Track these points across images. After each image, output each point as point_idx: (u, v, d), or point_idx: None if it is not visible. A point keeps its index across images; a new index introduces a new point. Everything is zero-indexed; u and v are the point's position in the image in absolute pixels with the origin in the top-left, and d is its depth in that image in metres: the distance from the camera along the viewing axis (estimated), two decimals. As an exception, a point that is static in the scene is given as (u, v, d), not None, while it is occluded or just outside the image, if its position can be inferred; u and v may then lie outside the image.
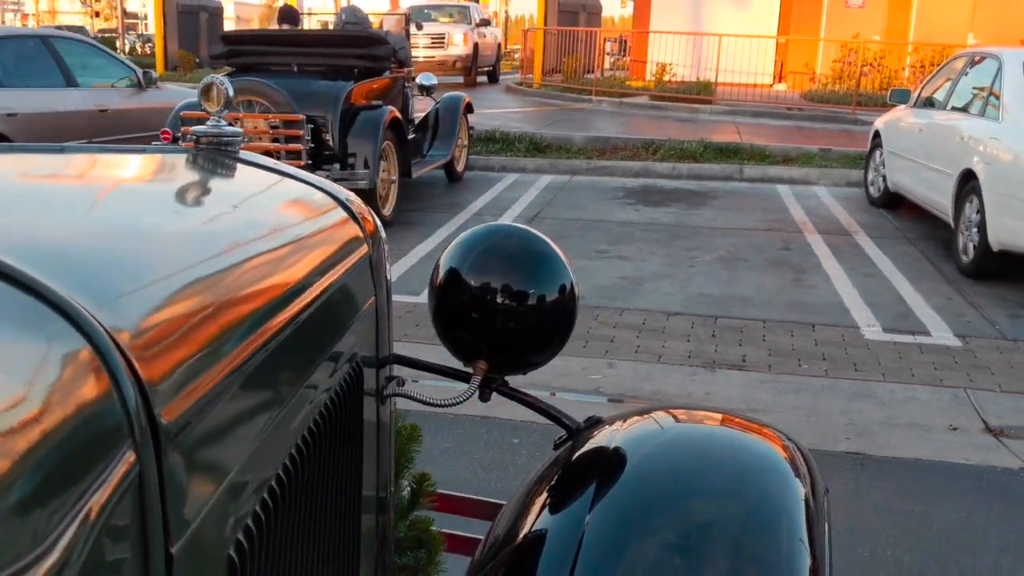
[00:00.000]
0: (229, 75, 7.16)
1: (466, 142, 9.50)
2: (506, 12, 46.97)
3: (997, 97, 6.25)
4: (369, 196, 6.85)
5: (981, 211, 5.85)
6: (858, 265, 6.34)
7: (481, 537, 1.29)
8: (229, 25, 32.54)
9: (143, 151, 1.38)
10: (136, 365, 0.61)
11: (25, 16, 54.75)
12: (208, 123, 1.29)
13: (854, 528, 2.94)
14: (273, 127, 6.68)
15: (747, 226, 7.56)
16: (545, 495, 1.20)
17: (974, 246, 5.97)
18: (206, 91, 1.30)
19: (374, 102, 7.33)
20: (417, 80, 8.63)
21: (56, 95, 7.68)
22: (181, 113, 6.77)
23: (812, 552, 1.06)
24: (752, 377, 4.29)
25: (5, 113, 7.09)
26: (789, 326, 5.01)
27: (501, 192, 8.85)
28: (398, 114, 7.36)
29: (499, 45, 23.77)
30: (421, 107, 9.02)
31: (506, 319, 1.27)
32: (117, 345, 0.60)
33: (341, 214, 1.21)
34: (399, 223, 7.26)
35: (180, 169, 1.28)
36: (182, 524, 0.65)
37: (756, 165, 10.09)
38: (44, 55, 7.78)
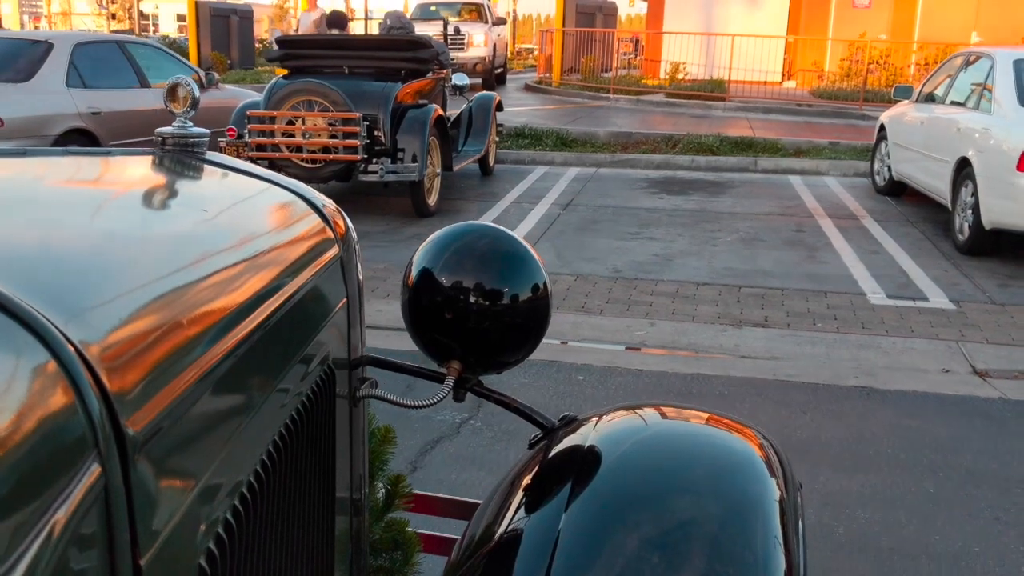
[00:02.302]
0: (285, 76, 7.81)
1: (496, 138, 10.20)
2: (514, 11, 47.64)
3: (990, 91, 6.94)
4: (416, 188, 7.50)
5: (975, 194, 6.54)
6: (865, 244, 7.04)
7: (457, 537, 1.30)
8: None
9: (108, 154, 1.37)
10: (101, 376, 0.61)
11: (38, 18, 55.51)
12: (174, 124, 1.29)
13: (861, 437, 3.66)
14: (331, 124, 7.29)
15: (763, 211, 8.26)
16: (521, 494, 1.21)
17: (969, 226, 6.67)
18: (172, 92, 1.29)
19: (420, 101, 7.90)
20: (452, 80, 9.35)
21: (132, 94, 8.42)
22: (248, 111, 7.40)
23: (787, 550, 1.07)
24: (774, 333, 5.00)
25: (91, 111, 7.82)
26: (804, 293, 5.71)
27: (534, 183, 9.55)
28: (442, 112, 7.98)
29: (507, 45, 24.38)
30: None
31: (480, 319, 1.26)
32: (82, 356, 0.60)
33: (310, 215, 1.21)
34: (446, 211, 7.97)
35: (148, 173, 1.27)
36: (151, 535, 0.65)
37: (770, 157, 10.80)
38: (120, 58, 8.52)
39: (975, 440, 3.67)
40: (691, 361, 4.59)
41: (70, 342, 0.60)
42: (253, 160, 7.24)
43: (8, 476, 0.51)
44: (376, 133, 7.36)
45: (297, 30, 14.42)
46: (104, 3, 52.45)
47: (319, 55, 7.96)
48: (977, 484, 3.28)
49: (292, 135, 7.33)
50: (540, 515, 1.13)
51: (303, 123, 7.31)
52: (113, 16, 51.37)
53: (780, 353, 4.71)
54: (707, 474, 1.19)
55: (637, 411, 1.36)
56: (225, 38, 19.15)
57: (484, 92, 10.27)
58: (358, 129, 7.18)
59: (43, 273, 0.71)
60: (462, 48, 18.92)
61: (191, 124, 1.28)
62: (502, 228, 1.36)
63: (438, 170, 7.94)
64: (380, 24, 10.39)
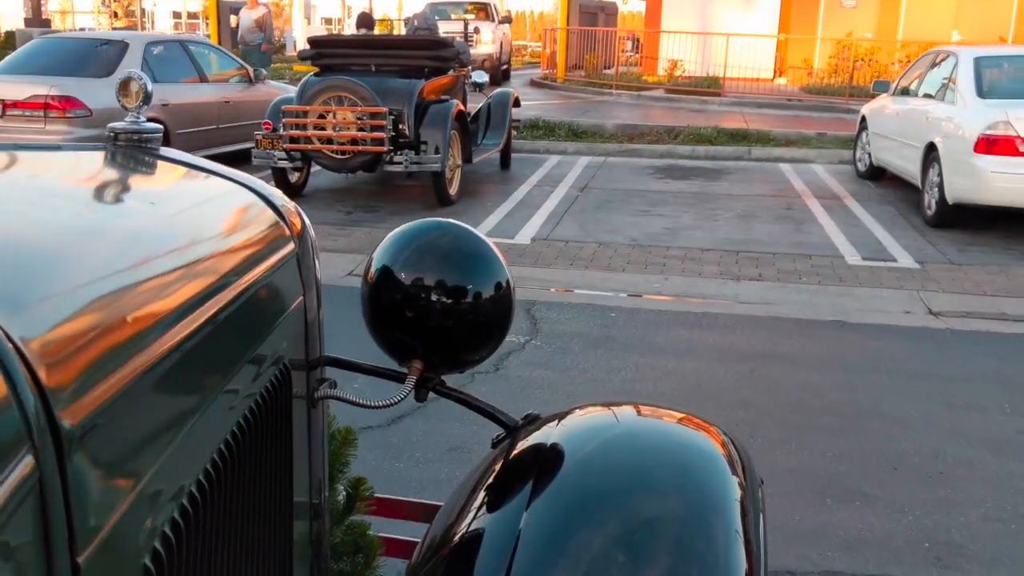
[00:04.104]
0: (316, 74, 8.31)
1: (514, 132, 10.78)
2: (508, 11, 48.58)
3: (955, 84, 8.00)
4: (438, 178, 8.02)
5: (940, 174, 7.59)
6: (846, 219, 8.09)
7: (419, 539, 1.30)
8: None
9: (59, 148, 1.36)
10: (38, 371, 0.61)
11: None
12: (126, 119, 1.27)
13: (834, 352, 4.72)
14: (359, 119, 7.73)
15: (757, 193, 9.32)
16: (483, 495, 1.21)
17: (935, 202, 7.72)
18: (124, 87, 1.27)
19: (442, 97, 8.39)
20: (472, 77, 10.14)
21: (193, 88, 9.42)
22: (282, 106, 7.90)
23: (748, 547, 1.08)
24: (766, 285, 6.05)
25: (160, 103, 8.80)
26: (792, 256, 6.76)
27: (550, 170, 10.57)
28: (463, 107, 8.52)
29: (511, 43, 25.41)
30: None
31: (441, 318, 1.26)
32: (19, 351, 0.60)
33: (265, 212, 1.20)
34: (473, 194, 8.99)
35: (99, 168, 1.26)
36: (89, 532, 0.64)
37: (762, 147, 11.87)
38: (183, 56, 9.53)
39: (923, 354, 4.73)
40: (700, 305, 5.63)
41: (8, 337, 0.60)
42: (287, 151, 7.92)
43: None
44: (401, 127, 7.82)
45: (237, 28, 14.28)
46: (107, 1, 53.22)
47: (348, 54, 8.43)
48: (920, 380, 4.33)
49: (323, 128, 7.79)
50: (501, 514, 1.14)
51: (334, 117, 7.78)
52: (116, 15, 52.12)
53: (771, 299, 5.75)
54: (669, 472, 1.19)
55: (600, 410, 1.36)
56: (245, 36, 20.09)
57: (502, 89, 11.19)
58: (385, 123, 7.66)
59: None
60: (472, 45, 19.87)
61: (143, 119, 1.27)
62: (465, 225, 1.35)
63: (459, 162, 8.46)
64: (407, 24, 11.37)
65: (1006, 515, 3.06)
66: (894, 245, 7.15)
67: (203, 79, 9.68)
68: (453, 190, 8.38)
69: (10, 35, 17.87)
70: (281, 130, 7.88)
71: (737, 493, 1.17)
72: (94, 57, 8.77)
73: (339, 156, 7.88)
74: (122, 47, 8.88)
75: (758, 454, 3.39)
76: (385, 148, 7.73)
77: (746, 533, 1.11)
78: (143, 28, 45.56)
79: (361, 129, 7.76)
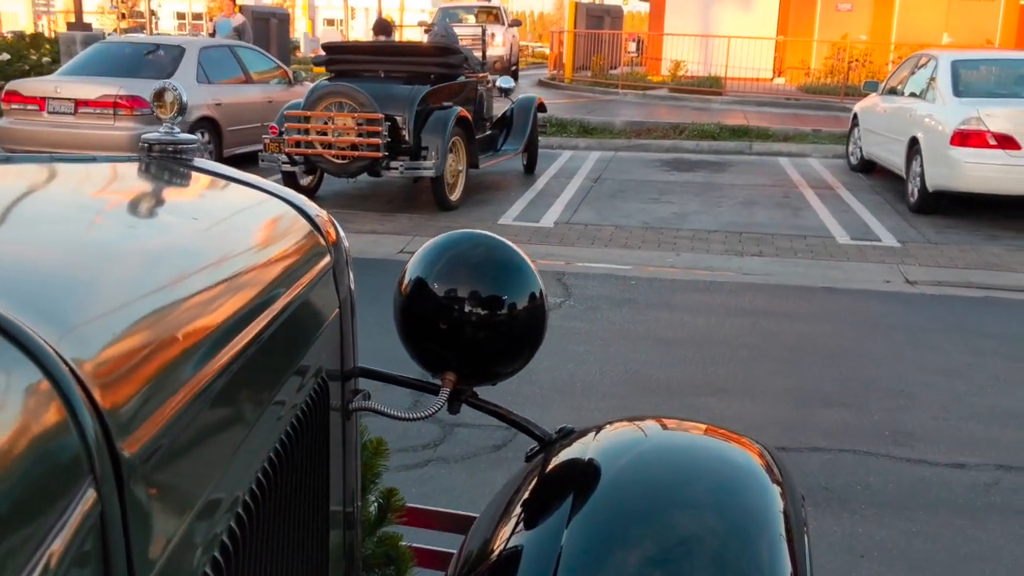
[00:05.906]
0: (328, 79, 8.67)
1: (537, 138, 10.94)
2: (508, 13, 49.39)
3: (935, 84, 8.87)
4: (437, 184, 8.16)
5: (921, 165, 8.47)
6: (838, 206, 8.96)
7: (453, 551, 1.30)
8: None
9: (94, 160, 1.35)
10: (95, 396, 0.59)
11: (40, 16, 56.99)
12: (161, 129, 1.27)
13: (823, 310, 5.59)
14: (359, 124, 7.85)
15: (757, 183, 10.19)
16: (520, 509, 1.20)
17: (917, 190, 8.59)
18: (158, 97, 1.27)
19: (445, 103, 8.40)
20: (497, 83, 10.46)
21: (241, 89, 10.29)
22: (285, 112, 8.12)
23: (794, 564, 1.07)
24: (766, 260, 6.92)
25: (215, 103, 9.67)
26: (789, 237, 7.63)
27: (564, 164, 11.44)
28: (467, 114, 8.44)
29: (519, 45, 26.31)
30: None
31: (475, 329, 1.26)
32: (75, 375, 0.59)
33: (302, 223, 1.20)
34: (500, 185, 9.85)
35: (137, 181, 1.26)
36: (147, 563, 0.64)
37: (762, 143, 12.75)
38: (231, 59, 10.39)
39: (898, 312, 5.61)
40: (708, 275, 6.50)
41: (63, 360, 0.59)
42: (290, 155, 8.10)
43: (0, 505, 0.50)
44: (401, 132, 7.93)
45: (214, 35, 14.46)
46: (115, 2, 54.06)
47: (359, 60, 8.65)
48: (893, 330, 5.21)
49: (326, 133, 7.94)
50: (541, 530, 1.13)
51: (333, 123, 7.94)
52: (124, 16, 52.93)
53: (771, 271, 6.63)
54: (710, 488, 1.19)
55: (635, 423, 1.36)
56: (265, 39, 20.93)
57: (526, 95, 11.29)
58: (380, 129, 7.77)
59: (32, 288, 0.69)
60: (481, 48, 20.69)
61: (178, 130, 1.28)
62: (497, 236, 1.35)
63: (460, 167, 8.52)
64: (427, 32, 12.19)
65: (949, 416, 3.96)
66: (880, 228, 8.02)
67: (249, 80, 10.54)
68: (455, 196, 8.47)
69: (37, 36, 18.75)
70: (285, 134, 8.05)
71: (779, 507, 1.17)
72: (154, 60, 9.63)
73: (339, 161, 7.99)
74: (179, 52, 9.75)
75: (760, 379, 4.30)
76: (380, 154, 7.81)
77: (791, 550, 1.10)
78: (150, 30, 46.34)
79: (360, 135, 7.86)
